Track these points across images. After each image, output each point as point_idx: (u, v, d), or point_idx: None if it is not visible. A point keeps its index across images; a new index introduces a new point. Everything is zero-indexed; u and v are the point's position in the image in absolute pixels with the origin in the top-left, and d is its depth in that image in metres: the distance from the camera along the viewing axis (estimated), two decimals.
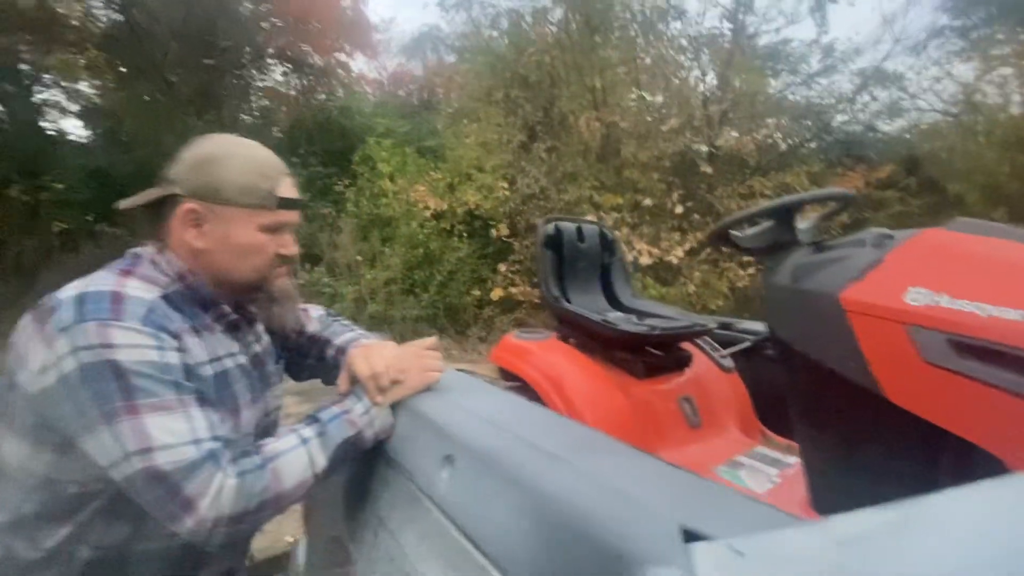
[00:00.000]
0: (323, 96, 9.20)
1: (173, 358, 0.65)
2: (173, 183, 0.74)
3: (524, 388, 1.37)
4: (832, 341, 0.89)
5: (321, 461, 0.70)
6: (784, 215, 1.07)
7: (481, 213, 5.46)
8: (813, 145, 7.91)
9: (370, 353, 0.83)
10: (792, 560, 0.38)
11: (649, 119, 5.64)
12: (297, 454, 0.69)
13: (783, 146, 6.45)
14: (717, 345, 1.65)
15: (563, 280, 1.60)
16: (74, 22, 6.88)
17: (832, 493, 1.00)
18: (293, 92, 9.31)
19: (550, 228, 1.61)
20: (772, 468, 1.25)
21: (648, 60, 5.75)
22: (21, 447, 0.64)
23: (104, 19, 7.62)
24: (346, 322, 1.04)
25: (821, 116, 6.86)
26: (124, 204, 0.78)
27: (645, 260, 4.42)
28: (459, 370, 1.05)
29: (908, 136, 8.96)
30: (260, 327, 0.88)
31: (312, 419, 0.74)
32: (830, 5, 5.87)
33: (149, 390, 0.61)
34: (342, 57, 9.30)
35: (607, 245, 1.74)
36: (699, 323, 1.43)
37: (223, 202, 0.73)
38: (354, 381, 0.82)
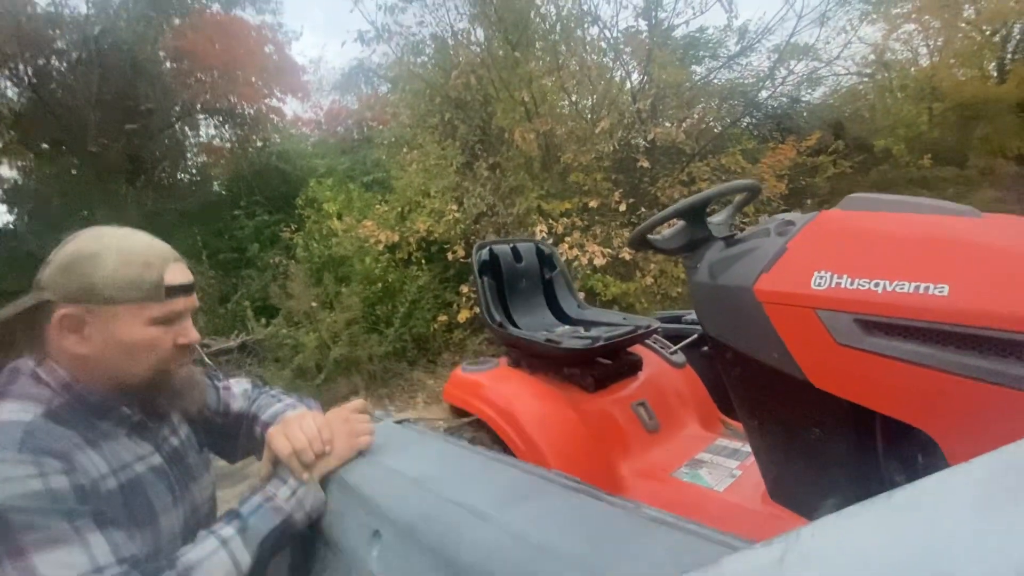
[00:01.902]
0: (260, 144, 9.02)
1: (60, 483, 0.59)
2: (43, 289, 0.68)
3: (478, 423, 1.34)
4: (754, 332, 0.90)
5: (245, 560, 0.66)
6: (694, 214, 1.09)
7: (436, 238, 5.42)
8: (745, 122, 8.25)
9: (290, 429, 0.79)
10: None
11: (584, 123, 5.75)
12: (218, 559, 0.64)
13: (717, 128, 6.67)
14: (667, 343, 1.67)
15: (506, 303, 1.59)
16: None
17: (785, 480, 1.00)
18: (228, 144, 9.11)
19: (484, 254, 1.60)
20: (732, 460, 1.25)
21: (574, 65, 5.87)
22: None
23: (14, 99, 7.30)
24: (274, 392, 0.99)
25: (746, 95, 7.13)
26: None
27: (599, 261, 4.47)
28: (398, 422, 1.02)
29: (831, 102, 9.45)
30: (175, 418, 0.83)
31: (232, 515, 0.70)
32: None
33: (35, 524, 0.55)
34: (273, 103, 9.17)
35: (545, 260, 1.74)
36: (642, 325, 1.43)
37: (103, 302, 0.67)
38: (276, 462, 0.77)
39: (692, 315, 1.84)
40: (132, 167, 7.77)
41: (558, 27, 5.82)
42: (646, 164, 4.89)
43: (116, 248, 0.70)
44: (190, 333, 0.75)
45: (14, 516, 0.55)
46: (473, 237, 5.37)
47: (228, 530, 0.67)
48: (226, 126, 9.15)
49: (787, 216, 0.96)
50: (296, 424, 0.79)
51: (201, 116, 8.95)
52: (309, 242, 5.67)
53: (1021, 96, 8.85)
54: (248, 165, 8.23)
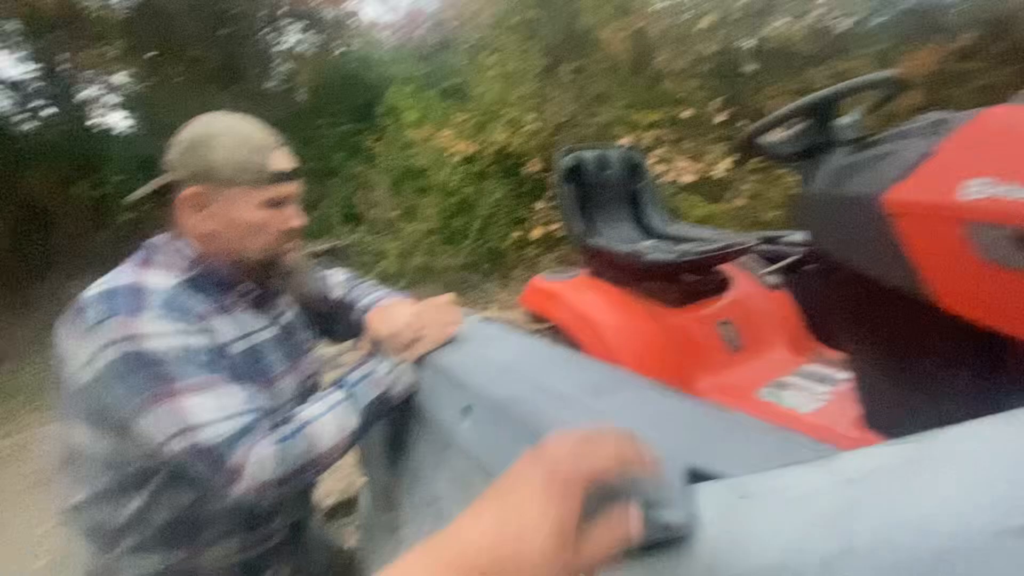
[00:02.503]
0: (341, 50, 8.98)
1: (200, 340, 0.68)
2: (171, 169, 0.75)
3: (555, 331, 1.37)
4: (876, 248, 0.81)
5: (352, 422, 0.73)
6: (819, 113, 0.95)
7: (512, 150, 5.28)
8: (879, 20, 6.96)
9: (388, 314, 0.84)
10: (798, 500, 0.36)
11: (683, 20, 5.12)
12: (329, 418, 0.72)
13: (840, 27, 5.69)
14: (764, 263, 1.56)
15: (589, 213, 1.54)
16: (93, 15, 6.98)
17: (887, 408, 0.94)
18: (312, 51, 9.15)
19: (569, 160, 1.53)
20: (822, 385, 1.19)
21: None
22: (85, 433, 0.71)
23: (119, 6, 7.67)
24: (369, 283, 1.06)
25: None
26: (132, 197, 0.80)
27: (688, 178, 4.17)
28: (482, 319, 1.06)
29: None
30: (287, 298, 0.91)
31: (340, 384, 0.78)
32: None
33: (180, 374, 0.64)
34: (352, 5, 8.97)
35: (634, 170, 1.64)
36: (736, 242, 1.34)
37: (220, 183, 0.73)
38: (376, 342, 0.84)
39: (791, 236, 1.70)
40: (227, 74, 8.09)
41: None
42: (752, 68, 4.33)
43: (228, 131, 0.75)
44: (295, 219, 0.80)
45: (165, 366, 0.64)
46: (551, 150, 5.17)
47: (337, 395, 0.75)
48: (309, 32, 9.14)
49: (938, 115, 0.82)
50: (393, 310, 0.85)
51: (286, 21, 8.98)
52: (389, 152, 5.75)
53: None
54: (331, 72, 8.27)
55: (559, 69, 4.85)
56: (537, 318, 1.47)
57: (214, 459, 0.63)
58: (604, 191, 1.57)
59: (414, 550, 0.32)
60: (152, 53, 7.87)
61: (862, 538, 0.30)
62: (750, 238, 1.42)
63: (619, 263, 1.35)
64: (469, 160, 5.36)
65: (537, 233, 5.08)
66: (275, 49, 9.38)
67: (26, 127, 7.22)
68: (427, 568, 0.30)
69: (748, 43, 4.87)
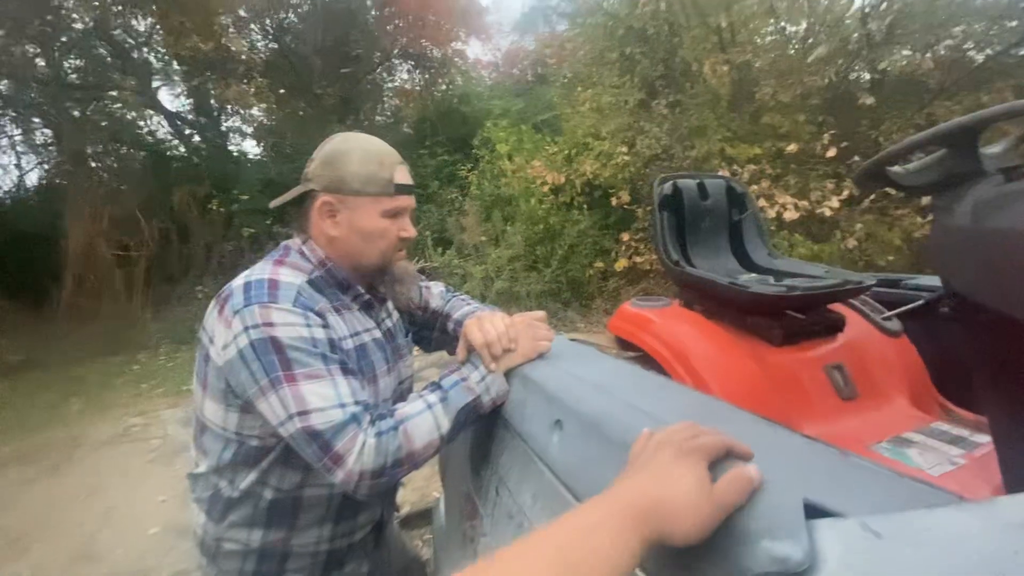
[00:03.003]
0: (444, 87, 9.65)
1: (320, 333, 0.75)
2: (309, 180, 0.84)
3: (644, 358, 1.32)
4: None
5: (445, 424, 0.76)
6: (962, 139, 0.86)
7: (600, 182, 5.31)
8: (1022, 52, 6.19)
9: (483, 323, 0.87)
10: (945, 543, 0.32)
11: (791, 52, 4.91)
12: (424, 417, 0.75)
13: (979, 58, 5.14)
14: (880, 307, 1.42)
15: (685, 242, 1.49)
16: (243, 56, 8.12)
17: None
18: (417, 88, 9.92)
19: (667, 187, 1.50)
20: (954, 448, 1.04)
21: None
22: (216, 408, 0.79)
23: (263, 49, 8.86)
24: (464, 297, 1.11)
25: None
26: (275, 203, 0.91)
27: (791, 215, 3.92)
28: (572, 339, 1.06)
29: None
30: (390, 305, 0.98)
31: (435, 386, 0.81)
32: None
33: (303, 361, 0.71)
34: (458, 46, 9.64)
35: (735, 200, 1.57)
36: (853, 281, 1.23)
37: (350, 192, 0.81)
38: (470, 350, 0.87)
39: (915, 280, 1.53)
40: (344, 108, 8.98)
41: None
42: (870, 101, 4.03)
43: (362, 149, 0.83)
44: (410, 229, 0.87)
45: (291, 352, 0.71)
46: (640, 183, 5.12)
47: (433, 397, 0.78)
48: (417, 70, 9.94)
49: None
50: (489, 320, 0.87)
51: (397, 61, 9.85)
52: (481, 181, 6.02)
53: None
54: (433, 107, 8.90)
55: (655, 103, 4.84)
56: (625, 344, 1.43)
57: (323, 442, 0.68)
58: (702, 220, 1.52)
59: (584, 503, 0.41)
60: (283, 90, 8.95)
61: None
62: (867, 277, 1.29)
63: (718, 294, 1.28)
64: (556, 191, 5.45)
65: (621, 265, 5.01)
66: (387, 86, 10.30)
67: (179, 151, 8.49)
68: (602, 511, 0.40)
69: (865, 75, 4.55)
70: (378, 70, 9.79)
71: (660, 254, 1.45)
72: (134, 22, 7.37)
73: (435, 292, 1.09)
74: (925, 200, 4.02)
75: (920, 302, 1.37)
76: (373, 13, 9.12)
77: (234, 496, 0.81)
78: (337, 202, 0.82)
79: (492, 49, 10.58)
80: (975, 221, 0.81)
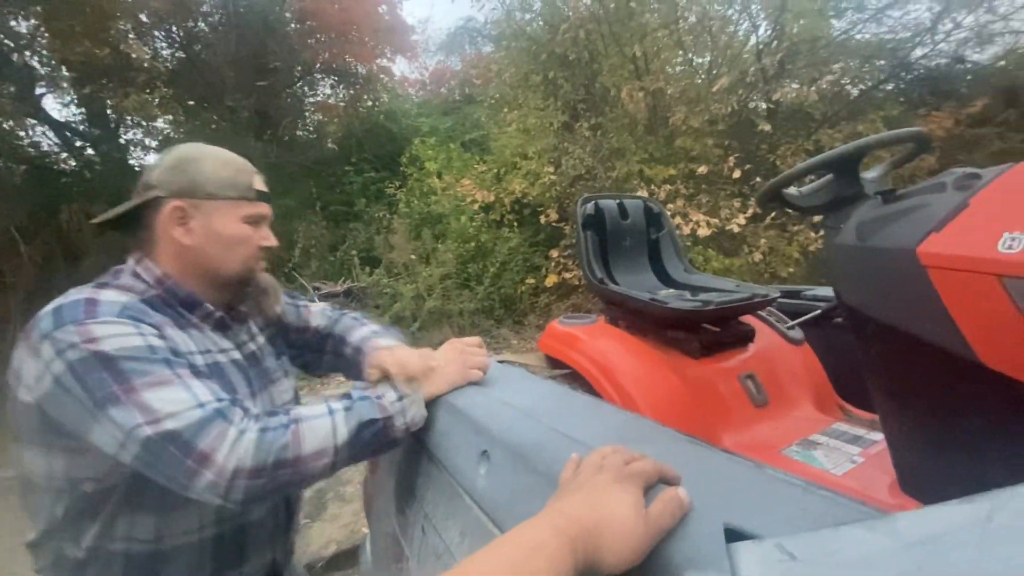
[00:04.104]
0: (370, 103, 9.46)
1: (156, 341, 0.65)
2: (152, 188, 0.75)
3: (573, 376, 1.33)
4: (911, 302, 0.78)
5: (343, 433, 0.68)
6: (846, 165, 0.95)
7: (529, 200, 5.41)
8: (889, 87, 7.13)
9: (400, 352, 0.84)
10: (854, 564, 0.32)
11: (698, 81, 5.32)
12: (321, 421, 0.67)
13: (854, 92, 5.85)
14: (784, 316, 1.53)
15: (607, 260, 1.54)
16: (145, 64, 7.49)
17: (922, 472, 0.89)
18: (342, 103, 9.65)
19: (589, 207, 1.54)
20: (853, 446, 1.13)
21: (692, 18, 5.40)
22: (36, 456, 0.67)
23: (169, 57, 8.24)
24: (355, 316, 1.02)
25: (896, 53, 6.15)
26: (99, 219, 0.80)
27: (704, 232, 4.20)
28: (500, 361, 1.04)
29: (1003, 64, 7.86)
30: (254, 327, 0.88)
31: (344, 396, 0.74)
32: None
33: (141, 370, 0.61)
34: (383, 63, 9.51)
35: (653, 219, 1.65)
36: (760, 294, 1.32)
37: (207, 196, 0.75)
38: (385, 375, 0.82)
39: (813, 291, 1.67)
40: (260, 123, 8.53)
41: None
42: (767, 128, 4.44)
43: (216, 155, 0.79)
44: (271, 238, 0.82)
45: (124, 363, 0.60)
46: (567, 201, 5.29)
47: (337, 404, 0.71)
48: (340, 86, 9.67)
49: (969, 169, 0.81)
50: (406, 350, 0.84)
51: (319, 75, 9.53)
52: (410, 199, 5.93)
53: None
54: (358, 124, 8.68)
55: (577, 125, 5.03)
56: (555, 363, 1.43)
57: (183, 443, 0.58)
58: (623, 239, 1.58)
59: (517, 527, 0.40)
60: (192, 102, 8.35)
61: None
62: (772, 290, 1.39)
63: (640, 310, 1.32)
64: (486, 209, 5.49)
65: (552, 281, 5.11)
66: (309, 100, 9.92)
67: (69, 165, 7.61)
68: (537, 534, 0.38)
69: (762, 105, 5.02)
70: (298, 84, 9.43)
71: (585, 272, 1.48)
72: (13, 23, 6.58)
73: (315, 311, 1.00)
74: (817, 218, 4.47)
75: (818, 312, 1.49)
76: (293, 26, 8.80)
77: (80, 556, 0.68)
78: (190, 207, 0.74)
79: (419, 68, 10.57)
80: (859, 239, 0.89)
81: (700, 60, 5.67)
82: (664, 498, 0.42)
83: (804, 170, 0.98)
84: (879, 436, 1.17)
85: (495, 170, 5.72)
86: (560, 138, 5.18)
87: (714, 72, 5.28)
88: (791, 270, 4.41)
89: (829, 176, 1.00)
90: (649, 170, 4.71)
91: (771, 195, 1.05)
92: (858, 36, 6.21)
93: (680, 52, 5.55)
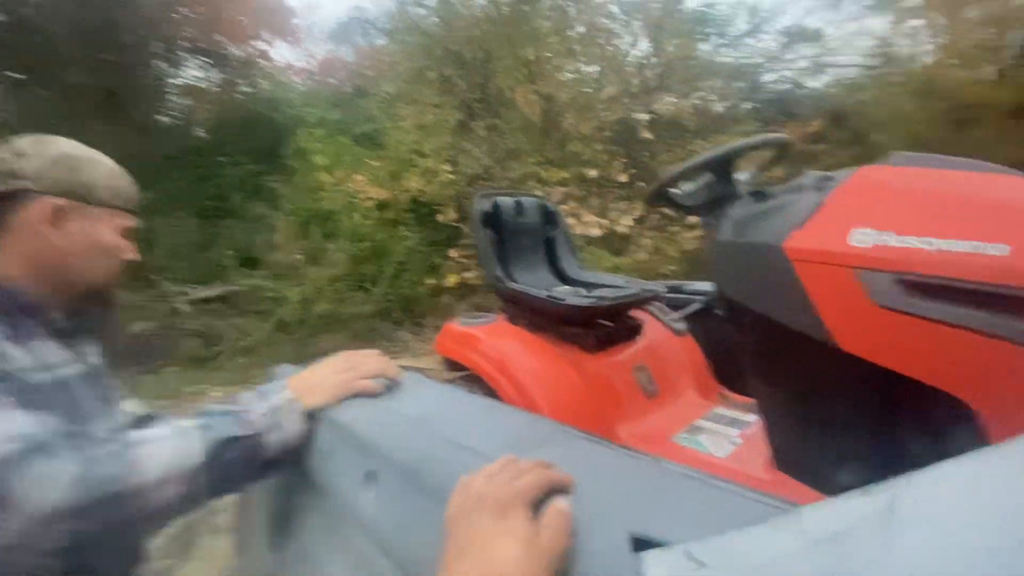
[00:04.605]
0: (247, 89, 8.61)
1: None
2: (24, 179, 0.66)
3: (471, 378, 1.29)
4: (779, 293, 0.85)
5: (196, 454, 0.58)
6: (721, 167, 1.02)
7: (426, 199, 5.28)
8: (747, 106, 8.11)
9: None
10: (764, 568, 0.31)
11: (587, 90, 5.58)
12: (167, 444, 0.58)
13: (719, 108, 6.54)
14: (668, 310, 1.62)
15: (505, 258, 1.52)
16: None
17: (794, 449, 0.97)
18: (215, 88, 8.67)
19: (486, 204, 1.51)
20: (732, 429, 1.22)
21: (581, 28, 5.65)
22: None
23: None
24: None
25: (751, 76, 7.00)
26: None
27: (595, 232, 4.40)
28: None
29: (833, 91, 9.32)
30: (94, 345, 0.79)
31: (200, 413, 0.65)
32: None
33: None
34: (262, 46, 8.72)
35: (548, 218, 1.66)
36: (648, 289, 1.38)
37: (96, 202, 0.71)
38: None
39: (693, 285, 1.80)
40: (109, 104, 7.36)
41: None
42: (650, 136, 4.78)
43: (101, 159, 0.75)
44: (134, 251, 0.80)
45: None
46: (466, 200, 5.25)
47: (188, 423, 0.62)
48: (212, 68, 8.69)
49: (822, 173, 0.90)
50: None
51: (184, 54, 8.48)
52: (296, 195, 5.48)
53: (1016, 101, 8.85)
54: (234, 111, 7.87)
55: (474, 124, 5.01)
56: (453, 364, 1.38)
57: None
58: (520, 237, 1.57)
59: None
60: (19, 75, 6.98)
61: None
62: (658, 285, 1.47)
63: (538, 307, 1.32)
64: (382, 206, 5.25)
65: (452, 281, 5.03)
66: (172, 82, 8.77)
67: None
68: None
69: (644, 115, 5.40)
70: (158, 61, 8.30)
71: (485, 270, 1.45)
72: None
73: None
74: (692, 219, 4.92)
75: (698, 304, 1.60)
76: None
77: None
78: (73, 209, 0.69)
79: (305, 55, 9.85)
80: (735, 235, 0.95)
81: (589, 69, 5.95)
82: (549, 521, 0.39)
83: (687, 170, 1.03)
84: (753, 417, 1.28)
85: (390, 167, 5.50)
86: (457, 136, 5.12)
87: (601, 81, 5.58)
88: (672, 268, 4.79)
89: (708, 177, 1.06)
90: (544, 172, 4.83)
91: (658, 194, 1.09)
92: (721, 59, 6.97)
93: (571, 60, 5.78)
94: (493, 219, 1.51)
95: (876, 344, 0.73)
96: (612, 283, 1.49)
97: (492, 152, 4.87)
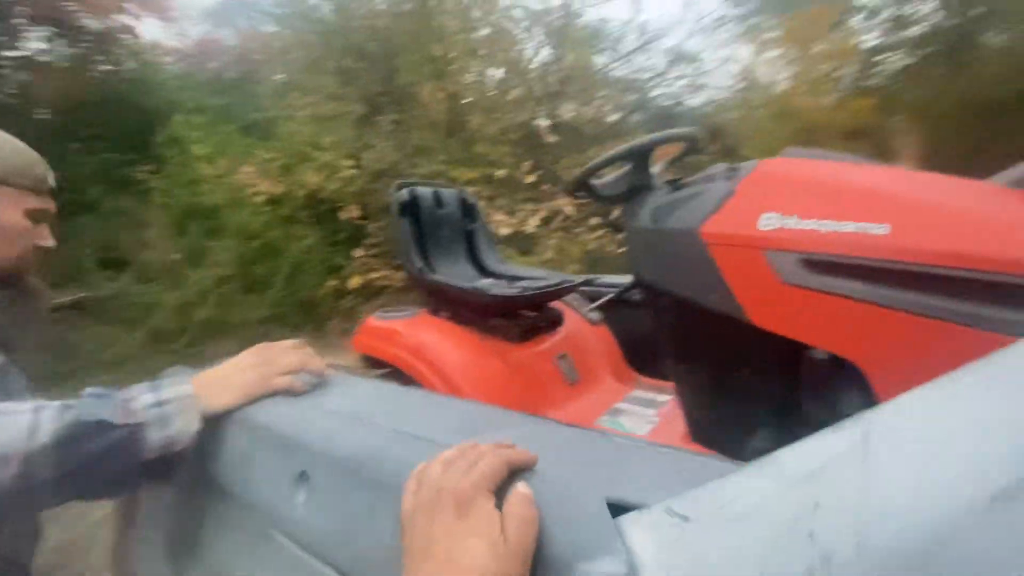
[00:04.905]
0: (107, 67, 7.47)
1: None
2: None
3: (394, 374, 1.22)
4: (696, 274, 0.91)
5: (46, 434, 0.50)
6: (639, 158, 1.07)
7: (326, 195, 4.98)
8: (637, 117, 8.76)
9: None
10: (748, 514, 0.32)
11: (492, 92, 5.64)
12: (14, 419, 0.49)
13: (613, 118, 6.97)
14: (584, 301, 1.67)
15: (426, 250, 1.47)
16: None
17: (709, 421, 1.04)
18: (65, 64, 7.41)
19: (404, 194, 1.45)
20: (649, 409, 1.29)
21: (485, 31, 5.70)
22: None
23: None
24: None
25: (640, 90, 7.57)
26: None
27: (504, 231, 4.45)
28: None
29: (707, 109, 10.42)
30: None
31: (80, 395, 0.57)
32: None
33: None
34: (125, 20, 7.63)
35: (468, 210, 1.64)
36: (568, 280, 1.41)
37: None
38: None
39: (603, 278, 1.88)
40: None
41: None
42: (554, 140, 4.94)
43: (7, 138, 0.73)
44: (50, 237, 0.77)
45: None
46: (370, 197, 5.03)
47: (52, 403, 0.53)
48: (62, 40, 7.43)
49: (730, 164, 0.98)
50: None
51: (21, 22, 7.16)
52: (171, 187, 4.87)
53: (851, 124, 10.53)
54: (90, 91, 6.79)
55: (379, 119, 4.82)
56: (373, 362, 1.30)
57: None
58: (439, 229, 1.53)
59: None
60: None
61: (830, 539, 0.27)
62: (577, 277, 1.51)
63: (463, 299, 1.29)
64: (275, 202, 4.85)
65: (356, 282, 4.79)
66: (6, 54, 7.35)
67: None
68: None
69: (547, 120, 5.59)
70: None
71: (405, 262, 1.39)
72: None
73: None
74: (594, 221, 5.19)
75: (611, 295, 1.67)
76: None
77: None
78: None
79: (178, 35, 8.80)
80: (653, 223, 1.00)
81: (494, 72, 6.02)
82: (514, 509, 0.37)
83: (606, 160, 1.07)
84: (666, 397, 1.36)
85: (284, 159, 5.10)
86: (360, 130, 4.90)
87: (506, 85, 5.67)
88: (576, 267, 4.99)
89: (626, 168, 1.11)
90: (453, 171, 4.79)
91: (579, 184, 1.12)
92: (614, 73, 7.46)
93: (476, 61, 5.80)
94: (412, 209, 1.46)
95: (783, 318, 0.81)
96: (533, 275, 1.51)
97: (399, 148, 4.72)
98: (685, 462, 0.45)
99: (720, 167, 0.97)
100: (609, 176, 1.17)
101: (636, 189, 1.10)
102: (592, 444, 0.53)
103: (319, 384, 0.72)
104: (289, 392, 0.68)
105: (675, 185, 1.01)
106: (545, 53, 6.06)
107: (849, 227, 0.73)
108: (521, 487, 0.38)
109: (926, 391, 0.30)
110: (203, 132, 4.96)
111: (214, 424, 0.63)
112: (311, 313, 4.58)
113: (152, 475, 0.60)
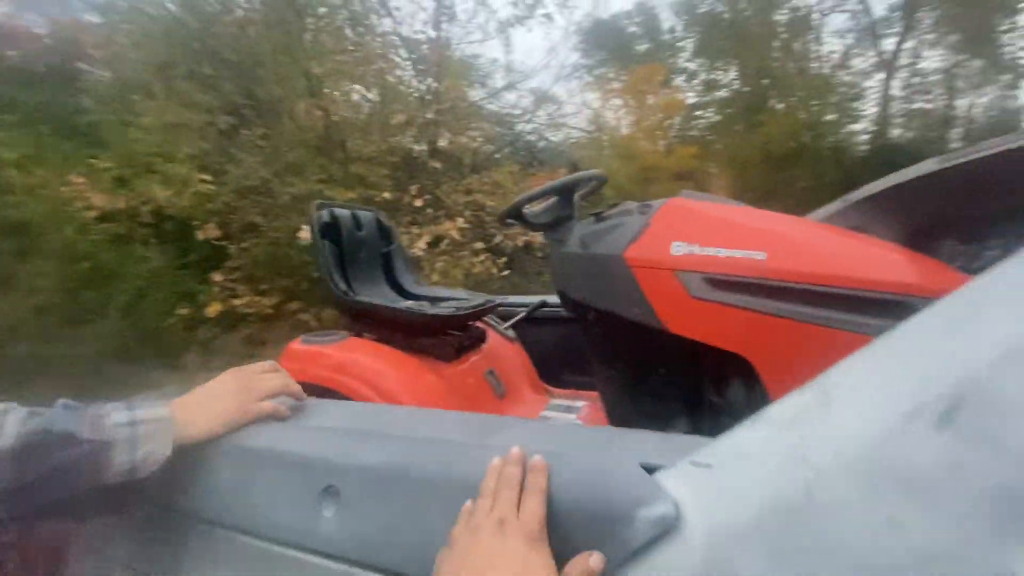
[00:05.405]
0: None
1: None
2: None
3: (327, 396, 1.19)
4: (621, 292, 1.07)
5: (8, 437, 0.47)
6: (564, 192, 1.23)
7: (175, 213, 4.42)
8: (508, 150, 9.32)
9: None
10: (756, 455, 0.44)
11: (368, 114, 5.57)
12: None
13: (489, 148, 7.33)
14: (499, 319, 1.78)
15: (346, 272, 1.45)
16: None
17: (630, 419, 1.21)
18: None
19: (325, 215, 1.43)
20: (570, 415, 1.43)
21: (360, 53, 5.63)
22: None
23: None
24: None
25: (510, 125, 8.12)
26: None
27: None
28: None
29: (565, 148, 11.50)
30: None
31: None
32: (512, 30, 6.94)
33: None
34: None
35: (385, 233, 1.65)
36: (491, 300, 1.51)
37: None
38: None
39: (511, 299, 2.01)
40: None
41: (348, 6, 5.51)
42: (437, 166, 5.04)
43: None
44: None
45: None
46: (232, 216, 4.58)
47: (21, 407, 0.51)
48: None
49: (644, 202, 1.18)
50: None
51: None
52: None
53: (678, 168, 12.42)
54: None
55: (245, 132, 4.45)
56: (305, 388, 1.23)
57: None
58: (359, 251, 1.52)
59: None
60: None
61: (817, 459, 0.40)
62: (495, 297, 1.61)
63: (393, 320, 1.30)
64: (108, 219, 4.16)
65: (215, 309, 4.30)
66: None
67: None
68: None
69: (424, 146, 5.69)
70: None
71: (328, 283, 1.35)
72: None
73: None
74: (478, 245, 5.37)
75: (523, 314, 1.81)
76: None
77: None
78: None
79: None
80: (583, 248, 1.16)
81: (371, 95, 5.95)
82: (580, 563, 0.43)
83: (540, 193, 1.21)
84: (581, 403, 1.52)
85: (121, 170, 4.40)
86: (220, 142, 4.46)
87: (383, 108, 5.64)
88: (460, 289, 5.10)
89: (553, 200, 1.26)
90: (329, 191, 4.60)
91: (512, 213, 1.24)
92: (487, 107, 7.88)
93: (347, 80, 5.68)
94: (333, 231, 1.43)
95: (694, 326, 1.00)
96: (453, 296, 1.57)
97: (268, 164, 4.40)
98: (664, 440, 0.57)
99: (632, 204, 1.16)
100: (536, 207, 1.31)
101: (561, 219, 1.25)
102: (589, 433, 0.63)
103: (302, 408, 0.72)
104: (274, 417, 0.67)
105: (598, 217, 1.18)
106: (425, 82, 6.19)
107: (738, 253, 0.95)
108: (595, 558, 0.43)
109: (855, 360, 0.45)
110: (10, 134, 4.08)
111: (193, 454, 0.60)
112: (160, 346, 3.98)
113: (112, 505, 0.55)
